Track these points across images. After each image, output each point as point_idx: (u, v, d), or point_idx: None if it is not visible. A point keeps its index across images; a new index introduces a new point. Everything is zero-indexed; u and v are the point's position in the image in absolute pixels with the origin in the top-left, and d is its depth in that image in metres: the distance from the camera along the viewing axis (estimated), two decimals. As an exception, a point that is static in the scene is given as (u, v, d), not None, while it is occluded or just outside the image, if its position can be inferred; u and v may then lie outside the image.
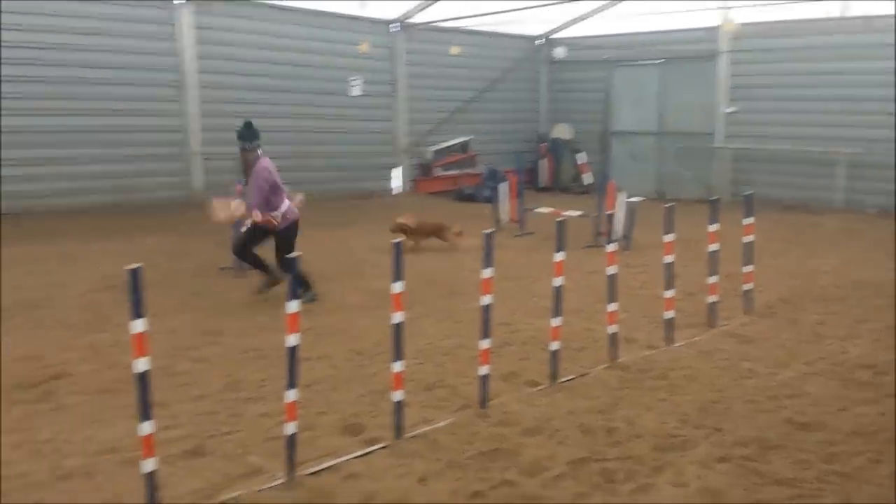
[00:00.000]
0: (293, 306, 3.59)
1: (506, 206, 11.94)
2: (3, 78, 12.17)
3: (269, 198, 6.91)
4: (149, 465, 3.27)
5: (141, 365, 3.23)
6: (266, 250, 7.22)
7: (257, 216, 6.85)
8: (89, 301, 7.21)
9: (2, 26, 12.03)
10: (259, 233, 7.12)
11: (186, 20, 14.16)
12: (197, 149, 14.52)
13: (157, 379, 3.30)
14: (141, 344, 3.22)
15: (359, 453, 3.96)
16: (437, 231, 10.21)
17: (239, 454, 3.94)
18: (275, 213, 6.95)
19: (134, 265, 3.13)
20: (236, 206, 7.13)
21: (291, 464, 3.66)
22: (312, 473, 3.71)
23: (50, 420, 4.39)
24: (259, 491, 3.55)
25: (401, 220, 9.98)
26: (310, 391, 4.75)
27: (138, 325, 3.19)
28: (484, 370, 4.56)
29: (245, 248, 7.19)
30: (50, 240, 10.31)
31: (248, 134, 6.97)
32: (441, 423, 4.35)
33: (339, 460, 3.86)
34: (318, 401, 4.66)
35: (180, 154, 14.40)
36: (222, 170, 12.98)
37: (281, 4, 15.24)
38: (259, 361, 5.43)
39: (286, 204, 7.09)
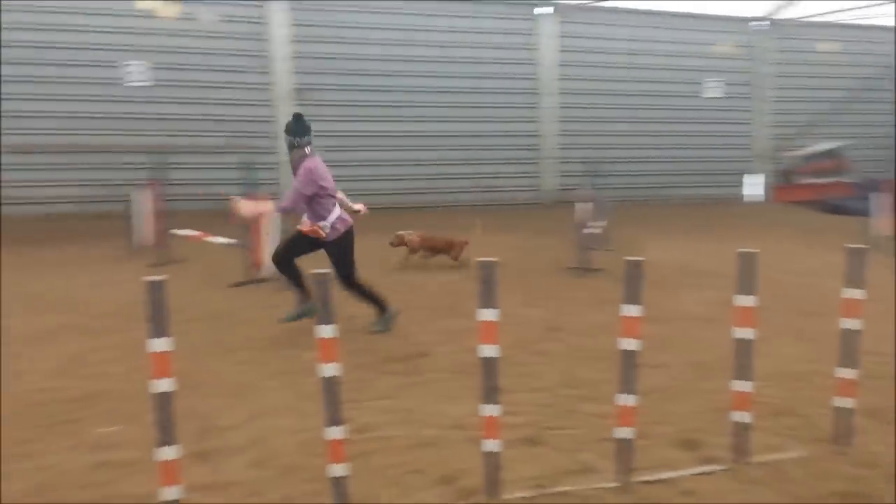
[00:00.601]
0: (631, 310, 3.59)
1: (883, 220, 10.55)
2: (394, 89, 13.94)
3: (315, 204, 6.04)
4: (491, 445, 3.52)
5: (488, 351, 3.49)
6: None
7: (261, 206, 6.25)
8: (452, 289, 7.93)
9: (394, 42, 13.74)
10: (304, 242, 6.17)
11: (548, 29, 14.82)
12: (551, 153, 15.14)
13: (501, 367, 3.53)
14: (490, 332, 3.48)
15: (697, 471, 3.82)
16: (445, 247, 9.41)
17: (572, 450, 4.05)
18: (322, 223, 6.05)
19: (488, 259, 3.40)
20: (258, 206, 6.43)
21: (624, 468, 3.67)
22: (646, 482, 3.68)
23: (413, 392, 4.94)
24: (592, 489, 3.62)
25: (401, 232, 9.49)
26: (645, 399, 4.68)
27: (488, 315, 3.45)
28: (844, 402, 4.10)
29: (285, 258, 6.18)
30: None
31: (297, 128, 6.09)
32: (791, 454, 4.02)
33: (674, 474, 3.77)
34: (654, 410, 4.58)
35: (535, 157, 15.15)
36: (576, 173, 13.42)
37: (641, 8, 15.21)
38: (597, 362, 5.50)
39: (336, 212, 6.12)
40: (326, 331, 3.29)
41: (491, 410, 3.52)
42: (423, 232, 9.64)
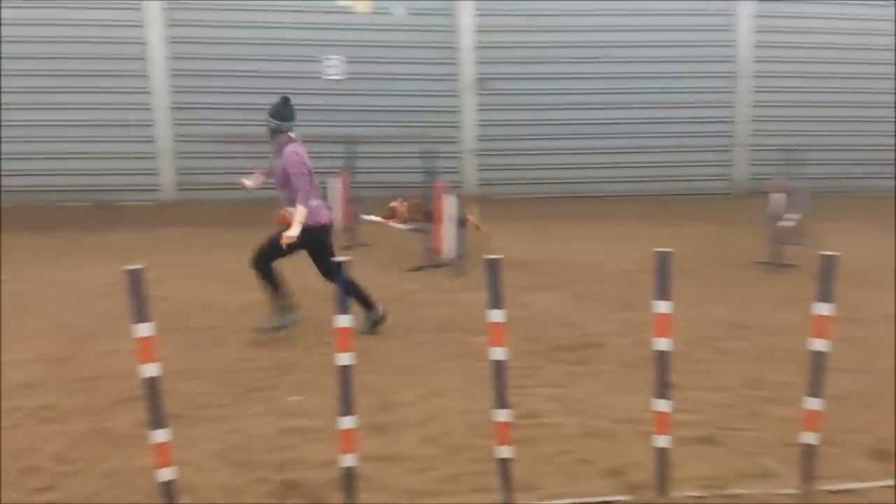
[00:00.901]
0: (824, 309, 3.34)
1: None
2: (575, 76, 13.81)
3: (291, 190, 5.63)
4: (661, 441, 3.42)
5: (662, 344, 3.39)
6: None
7: (301, 213, 5.54)
8: (627, 280, 7.75)
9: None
10: (318, 246, 5.77)
11: (746, 10, 14.03)
12: (745, 139, 14.35)
13: (679, 363, 3.42)
14: (664, 325, 3.37)
15: (888, 483, 3.51)
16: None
17: (751, 453, 3.85)
18: (291, 209, 5.63)
19: (663, 249, 3.29)
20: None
21: (807, 476, 3.43)
22: (830, 492, 3.43)
23: (583, 382, 4.90)
24: (770, 494, 3.43)
25: (393, 204, 8.95)
26: (837, 405, 4.34)
27: (662, 307, 3.35)
28: None
29: (330, 269, 5.65)
30: (599, 220, 11.40)
31: (284, 113, 5.74)
32: None
33: (863, 485, 3.48)
34: (846, 417, 4.24)
35: (727, 144, 14.41)
36: (769, 161, 12.66)
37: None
38: (784, 363, 5.17)
39: (315, 203, 5.72)
40: (496, 315, 3.35)
41: (663, 406, 3.42)
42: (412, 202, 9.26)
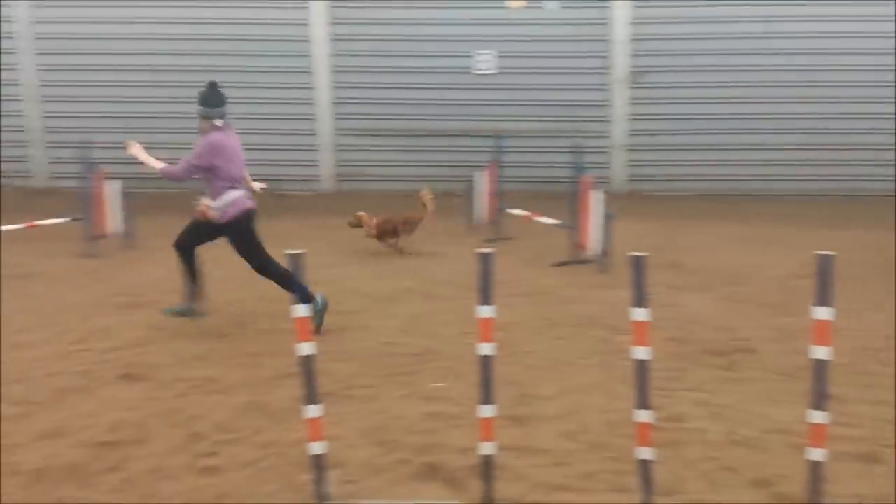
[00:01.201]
0: None
1: None
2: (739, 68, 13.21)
3: (212, 181, 5.52)
4: (816, 454, 3.24)
5: (820, 353, 3.21)
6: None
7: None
8: (786, 284, 7.36)
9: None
10: (204, 228, 5.69)
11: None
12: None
13: (839, 374, 3.23)
14: (823, 333, 3.18)
15: None
16: (404, 225, 8.78)
17: (918, 474, 3.58)
18: (211, 204, 5.54)
19: (826, 252, 3.12)
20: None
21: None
22: None
23: (731, 388, 4.71)
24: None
25: (360, 213, 8.58)
26: None
27: (822, 314, 3.16)
28: None
29: (186, 245, 5.75)
30: (758, 220, 10.87)
31: (210, 98, 5.54)
32: None
33: None
34: None
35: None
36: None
37: None
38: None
39: (234, 194, 5.56)
40: (639, 314, 3.29)
41: (819, 417, 3.24)
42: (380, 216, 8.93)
